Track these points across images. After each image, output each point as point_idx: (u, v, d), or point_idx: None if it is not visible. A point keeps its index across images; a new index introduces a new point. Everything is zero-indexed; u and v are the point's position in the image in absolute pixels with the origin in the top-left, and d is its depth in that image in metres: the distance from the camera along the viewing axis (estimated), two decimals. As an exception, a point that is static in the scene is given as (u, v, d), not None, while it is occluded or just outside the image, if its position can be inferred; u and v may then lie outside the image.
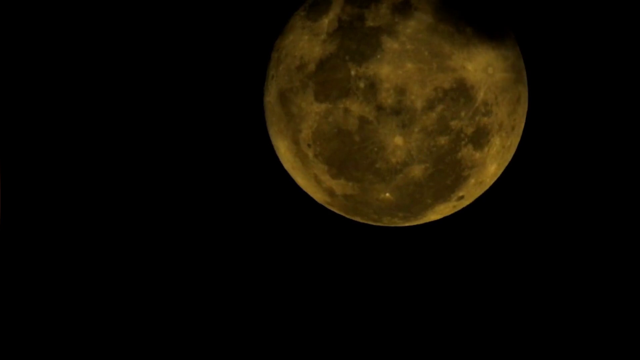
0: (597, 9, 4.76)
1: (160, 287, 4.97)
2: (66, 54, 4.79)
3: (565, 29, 4.80)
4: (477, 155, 4.03)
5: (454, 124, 3.88)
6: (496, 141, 4.07)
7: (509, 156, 4.30)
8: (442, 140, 3.89)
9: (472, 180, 4.14)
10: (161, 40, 4.84)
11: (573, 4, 4.76)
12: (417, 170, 3.94)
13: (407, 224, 4.37)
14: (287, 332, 5.00)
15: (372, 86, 3.81)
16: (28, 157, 4.83)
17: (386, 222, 4.32)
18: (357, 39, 3.86)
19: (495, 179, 4.33)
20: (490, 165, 4.15)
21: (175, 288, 4.99)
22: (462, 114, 3.88)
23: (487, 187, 4.33)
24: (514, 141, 4.26)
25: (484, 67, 3.92)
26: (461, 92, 3.86)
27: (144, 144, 4.91)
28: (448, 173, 4.01)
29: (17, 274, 4.86)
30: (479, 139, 3.98)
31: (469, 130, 3.93)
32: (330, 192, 4.18)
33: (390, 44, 3.82)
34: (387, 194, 4.06)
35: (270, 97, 4.20)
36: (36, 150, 4.84)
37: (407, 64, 3.80)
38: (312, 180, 4.19)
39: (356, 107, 3.84)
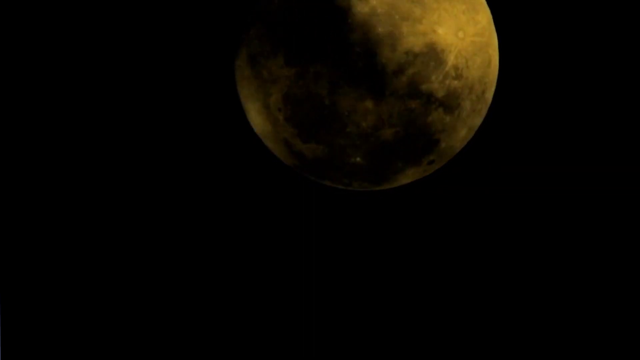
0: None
1: (138, 249, 4.97)
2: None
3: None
4: (448, 119, 4.03)
5: (424, 87, 3.88)
6: (467, 105, 4.07)
7: (479, 120, 4.30)
8: (413, 104, 3.89)
9: (443, 144, 4.14)
10: (130, 6, 4.79)
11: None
12: (387, 134, 3.94)
13: (377, 188, 4.38)
14: (257, 297, 5.01)
15: (343, 50, 3.79)
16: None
17: (357, 186, 4.32)
18: (328, 2, 3.83)
19: (465, 142, 4.34)
20: (460, 129, 4.16)
21: (150, 251, 4.99)
22: (433, 77, 3.88)
23: (457, 151, 4.34)
24: (485, 105, 4.27)
25: (454, 31, 3.91)
26: (431, 55, 3.85)
27: (113, 107, 4.88)
28: (418, 137, 4.01)
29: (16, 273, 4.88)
30: (450, 102, 3.98)
31: (440, 94, 3.93)
32: (301, 156, 4.17)
33: (360, 8, 3.79)
34: (358, 158, 4.05)
35: (241, 61, 4.17)
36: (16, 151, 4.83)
37: (377, 28, 3.78)
38: (282, 144, 4.18)
39: (327, 71, 3.83)
